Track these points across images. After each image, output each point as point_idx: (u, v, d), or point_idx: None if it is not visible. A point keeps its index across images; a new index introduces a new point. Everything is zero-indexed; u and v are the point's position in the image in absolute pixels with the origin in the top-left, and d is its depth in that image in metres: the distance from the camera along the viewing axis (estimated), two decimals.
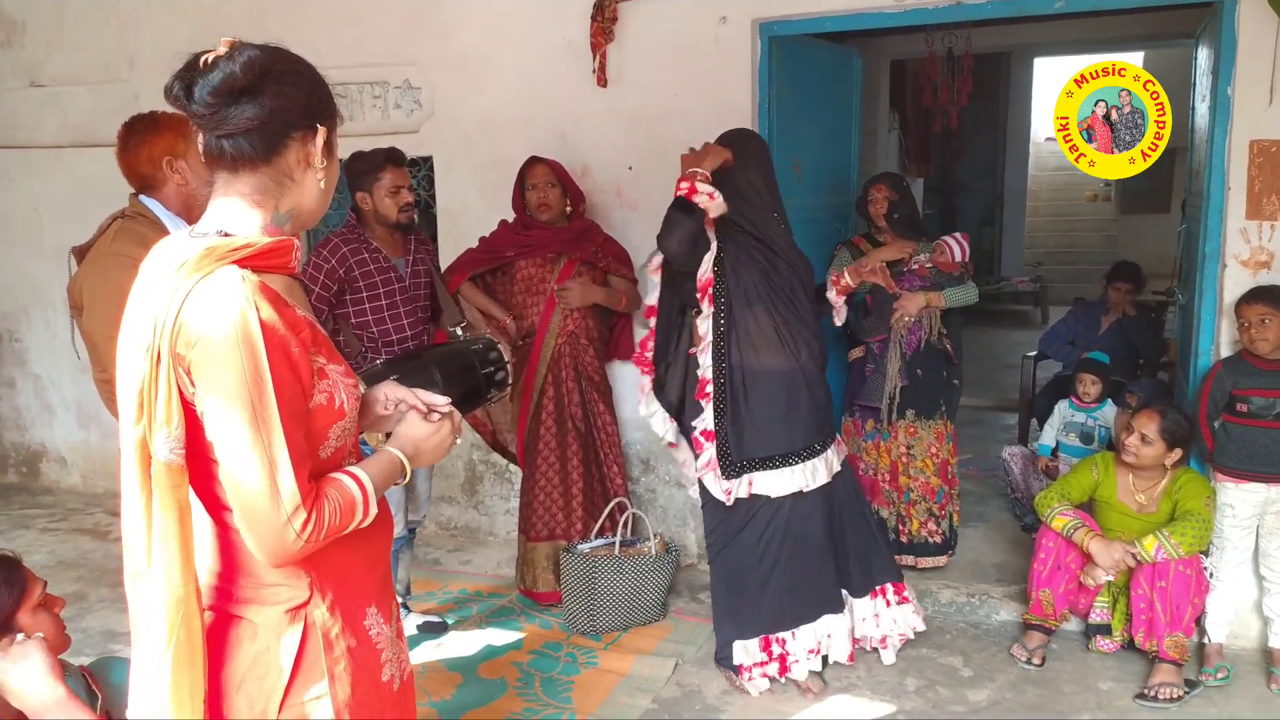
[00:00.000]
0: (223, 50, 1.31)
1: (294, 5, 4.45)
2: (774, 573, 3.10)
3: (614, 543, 3.61)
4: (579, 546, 3.61)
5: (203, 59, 1.31)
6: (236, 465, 1.27)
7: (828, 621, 3.17)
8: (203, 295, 1.27)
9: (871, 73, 6.23)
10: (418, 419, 1.55)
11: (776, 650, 3.13)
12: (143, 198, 2.51)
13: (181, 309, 1.27)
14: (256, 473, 1.27)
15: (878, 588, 3.27)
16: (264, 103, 1.32)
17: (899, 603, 3.29)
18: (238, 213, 1.37)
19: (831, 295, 3.23)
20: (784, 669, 3.14)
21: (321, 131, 1.40)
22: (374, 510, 1.41)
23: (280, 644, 1.38)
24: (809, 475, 3.08)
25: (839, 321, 3.33)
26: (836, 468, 3.17)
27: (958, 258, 3.87)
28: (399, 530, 3.28)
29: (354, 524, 1.38)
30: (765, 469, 3.07)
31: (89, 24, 4.92)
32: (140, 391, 1.29)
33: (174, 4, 4.71)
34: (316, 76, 1.41)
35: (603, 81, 3.94)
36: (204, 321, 1.25)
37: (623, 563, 3.53)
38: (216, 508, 1.38)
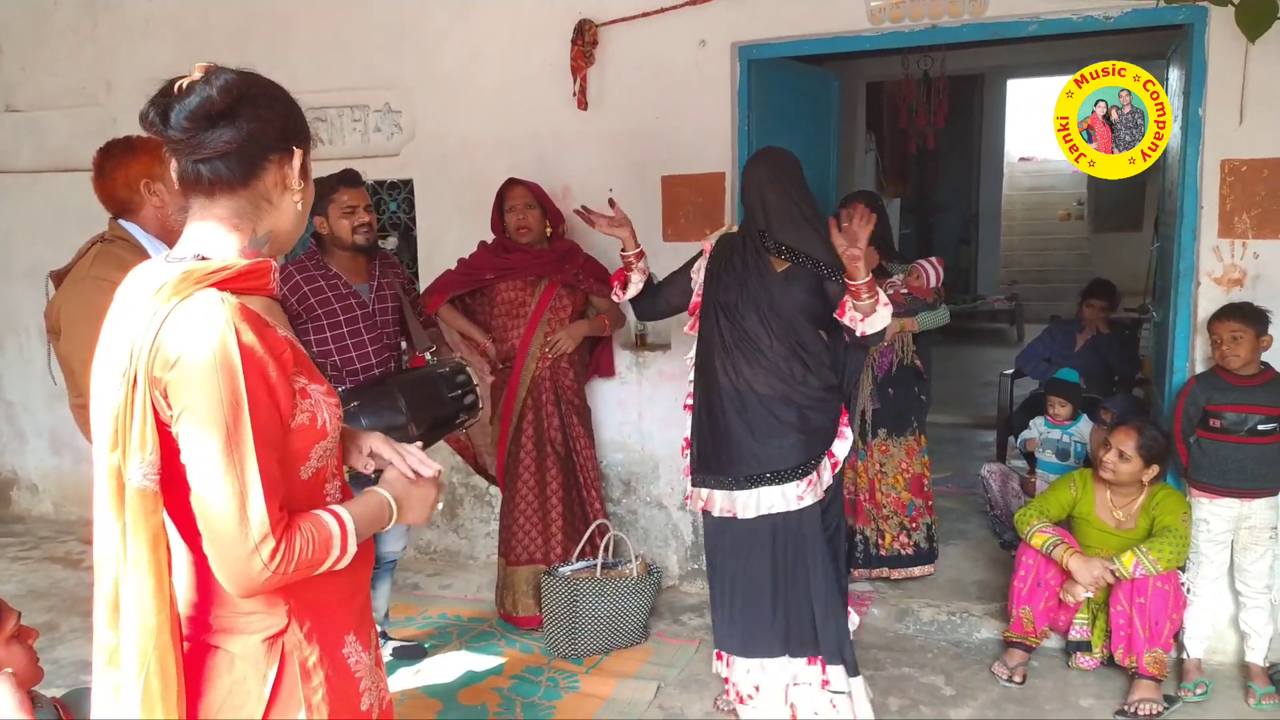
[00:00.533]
0: (198, 75, 1.31)
1: (275, 29, 4.45)
2: (725, 590, 3.02)
3: (595, 565, 3.59)
4: (560, 569, 3.59)
5: (178, 84, 1.31)
6: (208, 490, 1.25)
7: (760, 664, 2.98)
8: (182, 318, 1.25)
9: (848, 95, 6.29)
10: (395, 479, 1.54)
11: (723, 670, 3.10)
12: (122, 221, 2.49)
13: (160, 332, 1.25)
14: (227, 498, 1.24)
15: (815, 658, 2.96)
16: (241, 126, 1.32)
17: (822, 684, 2.96)
18: (215, 236, 1.37)
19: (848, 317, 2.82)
20: (727, 693, 3.09)
21: (298, 154, 1.40)
22: (352, 549, 1.38)
23: (257, 674, 1.36)
24: (726, 503, 2.94)
25: (876, 326, 2.79)
26: (771, 507, 2.89)
27: (932, 283, 3.94)
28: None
29: (330, 561, 1.35)
30: (710, 487, 2.99)
31: (66, 48, 4.90)
32: (115, 418, 1.27)
33: (153, 29, 4.70)
34: (290, 99, 1.41)
35: (583, 104, 3.96)
36: (183, 344, 1.24)
37: (604, 585, 3.52)
38: (193, 536, 1.33)
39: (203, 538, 1.28)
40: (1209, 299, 3.34)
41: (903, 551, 4.00)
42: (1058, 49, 6.04)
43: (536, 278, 3.68)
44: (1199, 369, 3.39)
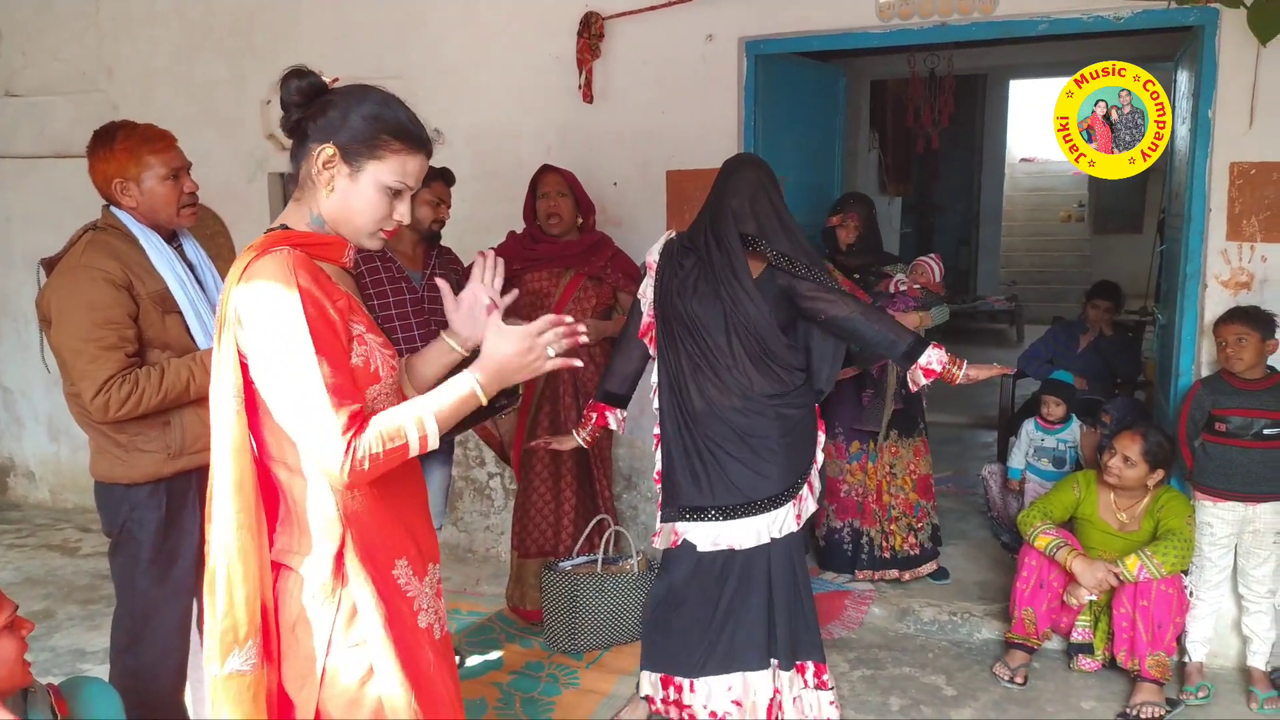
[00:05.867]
0: (300, 68, 1.61)
1: (280, 19, 4.42)
2: (678, 613, 2.86)
3: (596, 560, 3.58)
4: (560, 564, 3.57)
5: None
6: (284, 403, 1.48)
7: (743, 678, 2.84)
8: (254, 270, 1.50)
9: (853, 93, 6.27)
10: (500, 333, 1.59)
11: (673, 694, 2.90)
12: (113, 209, 2.47)
13: (239, 281, 1.50)
14: (301, 409, 1.46)
15: (800, 664, 2.90)
16: (306, 113, 1.58)
17: (817, 686, 2.92)
18: (291, 210, 1.63)
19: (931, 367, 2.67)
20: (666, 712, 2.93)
21: (329, 148, 1.56)
22: (433, 433, 1.50)
23: (322, 591, 1.56)
24: (714, 534, 2.77)
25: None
26: (770, 534, 2.77)
27: (937, 278, 3.97)
28: None
29: (412, 446, 1.50)
30: (686, 519, 2.80)
31: (68, 34, 4.87)
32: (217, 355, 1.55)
33: (156, 16, 4.66)
34: (359, 106, 1.58)
35: (589, 97, 3.94)
36: (251, 289, 1.48)
37: (604, 581, 3.50)
38: (271, 461, 1.58)
39: (296, 445, 1.51)
40: (1216, 302, 3.32)
41: (911, 552, 4.01)
42: (1062, 50, 6.02)
43: (563, 269, 3.64)
44: (1205, 372, 3.37)
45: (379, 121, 1.58)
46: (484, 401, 1.56)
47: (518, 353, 1.57)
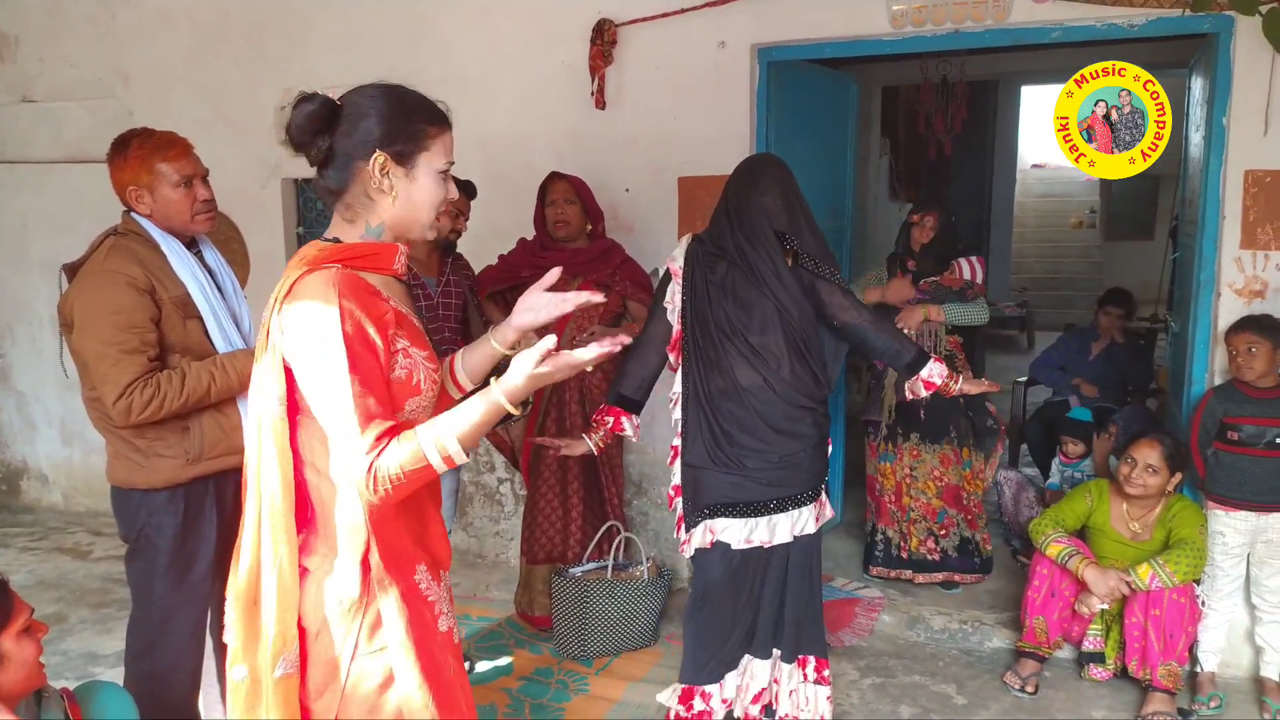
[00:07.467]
0: (303, 94, 1.59)
1: (292, 25, 4.45)
2: (710, 615, 2.81)
3: (606, 566, 3.58)
4: (571, 570, 3.58)
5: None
6: (319, 413, 1.52)
7: (748, 661, 2.87)
8: (301, 286, 1.54)
9: (863, 99, 6.26)
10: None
11: (699, 705, 2.83)
12: (133, 214, 2.49)
13: (288, 295, 1.54)
14: (331, 421, 1.50)
15: (802, 657, 2.90)
16: (334, 137, 1.57)
17: (817, 681, 2.89)
18: (340, 225, 1.65)
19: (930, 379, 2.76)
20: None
21: (380, 156, 1.57)
22: (456, 452, 1.50)
23: (347, 597, 1.57)
24: (747, 531, 2.73)
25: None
26: (793, 533, 2.76)
27: (966, 275, 3.96)
28: None
29: (436, 467, 1.49)
30: (717, 516, 2.75)
31: (83, 39, 4.90)
32: (259, 364, 1.58)
33: (170, 21, 4.69)
34: (384, 108, 1.58)
35: (601, 104, 3.95)
36: (297, 305, 1.52)
37: (615, 587, 3.50)
38: (302, 465, 1.60)
39: (331, 455, 1.54)
40: (1229, 310, 3.31)
41: (928, 556, 3.99)
42: (1076, 56, 5.97)
43: (570, 276, 3.62)
44: (1218, 380, 3.36)
45: (411, 114, 1.60)
46: (513, 410, 1.57)
47: (532, 368, 1.51)
